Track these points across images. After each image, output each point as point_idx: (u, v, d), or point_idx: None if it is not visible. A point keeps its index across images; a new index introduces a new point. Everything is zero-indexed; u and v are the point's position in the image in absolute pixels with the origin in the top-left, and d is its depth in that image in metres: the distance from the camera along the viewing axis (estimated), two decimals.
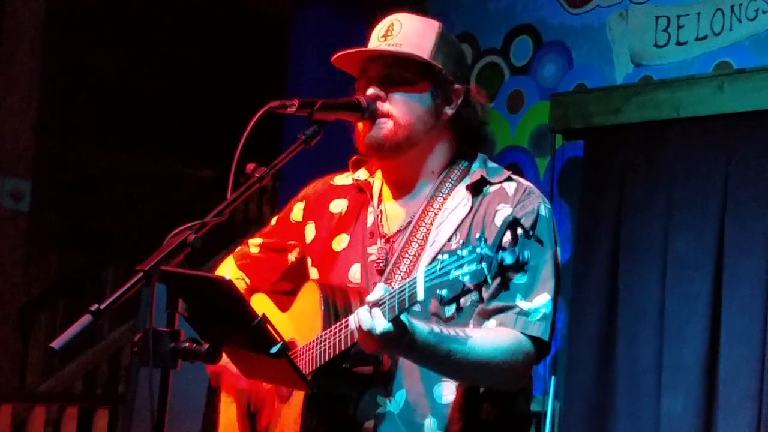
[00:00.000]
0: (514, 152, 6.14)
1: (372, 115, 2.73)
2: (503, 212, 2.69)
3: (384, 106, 2.74)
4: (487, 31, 6.35)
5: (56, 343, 2.26)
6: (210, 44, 9.56)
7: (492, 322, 2.62)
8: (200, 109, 9.61)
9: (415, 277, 2.32)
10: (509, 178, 2.77)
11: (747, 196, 5.08)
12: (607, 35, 5.86)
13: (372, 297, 2.40)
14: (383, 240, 2.79)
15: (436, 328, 2.52)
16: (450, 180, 2.79)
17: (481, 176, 2.76)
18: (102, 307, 2.28)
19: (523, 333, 2.61)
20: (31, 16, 7.87)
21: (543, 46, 6.14)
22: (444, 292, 2.27)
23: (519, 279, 2.56)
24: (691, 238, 5.23)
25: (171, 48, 9.54)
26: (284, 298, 2.95)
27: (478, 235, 2.35)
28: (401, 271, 2.69)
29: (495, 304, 2.62)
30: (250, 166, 2.57)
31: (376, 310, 2.39)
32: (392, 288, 2.40)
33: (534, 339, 2.62)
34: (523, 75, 6.20)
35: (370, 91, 2.75)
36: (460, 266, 2.25)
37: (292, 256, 3.00)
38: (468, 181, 2.77)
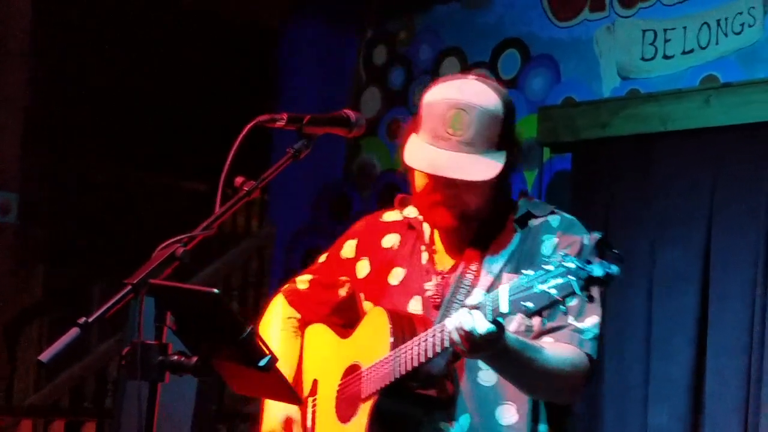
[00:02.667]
0: None
1: (360, 129, 2.74)
2: (549, 242, 2.77)
3: (458, 196, 2.76)
4: (475, 45, 6.37)
5: (44, 356, 2.26)
6: (199, 57, 9.55)
7: (548, 339, 2.69)
8: (190, 122, 9.59)
9: (498, 292, 2.38)
10: (553, 212, 2.84)
11: (734, 209, 5.10)
12: (594, 49, 5.88)
13: (471, 301, 2.45)
14: (439, 277, 2.84)
15: (520, 336, 2.60)
16: (496, 216, 2.84)
17: (528, 210, 2.82)
18: (90, 319, 2.28)
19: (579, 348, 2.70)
20: (18, 29, 7.86)
21: (531, 60, 6.16)
22: (529, 304, 2.33)
23: (570, 302, 2.55)
24: (678, 251, 5.24)
25: (161, 61, 9.52)
26: (341, 329, 3.00)
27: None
28: (458, 301, 2.74)
29: (549, 324, 2.71)
30: (238, 180, 2.58)
31: (477, 312, 2.43)
32: (488, 295, 2.44)
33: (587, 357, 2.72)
34: (511, 88, 6.21)
35: (447, 192, 2.75)
36: (545, 280, 2.32)
37: (342, 291, 3.04)
38: (514, 215, 2.83)
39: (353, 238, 3.05)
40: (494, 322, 2.42)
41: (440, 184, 2.74)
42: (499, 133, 2.76)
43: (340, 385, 2.90)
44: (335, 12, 7.08)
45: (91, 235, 9.61)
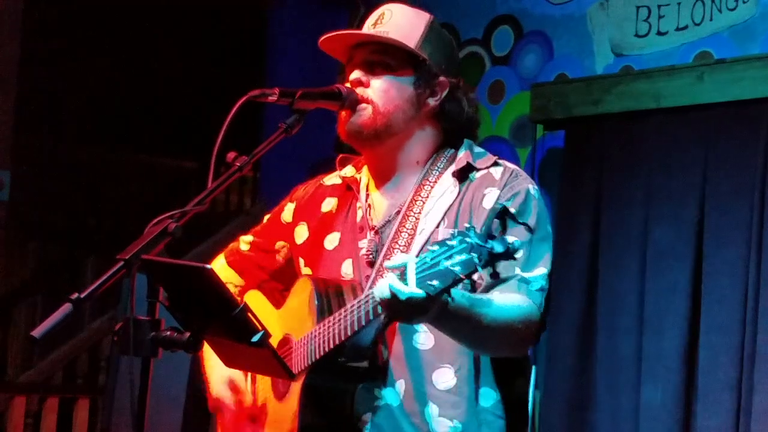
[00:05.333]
0: (494, 142, 6.14)
1: (352, 103, 2.73)
2: (491, 195, 2.70)
3: (365, 92, 2.75)
4: (468, 22, 6.35)
5: (37, 332, 2.26)
6: (188, 35, 9.52)
7: (495, 293, 2.61)
8: (180, 99, 9.58)
9: (405, 265, 2.28)
10: (495, 163, 2.78)
11: (726, 186, 5.10)
12: (587, 25, 5.86)
13: (390, 264, 2.34)
14: (372, 232, 2.79)
15: (466, 293, 2.51)
16: (436, 168, 2.79)
17: (467, 162, 2.76)
18: (82, 295, 2.28)
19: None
20: (8, 8, 7.82)
21: (524, 37, 6.14)
22: (435, 283, 2.23)
23: (516, 253, 2.57)
24: (670, 228, 5.24)
25: (150, 39, 9.50)
26: (278, 295, 2.95)
27: (466, 223, 2.32)
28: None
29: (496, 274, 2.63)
30: (230, 155, 2.57)
31: (394, 277, 2.31)
32: (399, 265, 2.34)
33: None
34: (504, 65, 6.21)
35: (354, 75, 2.76)
36: (450, 256, 2.22)
37: (280, 257, 3.01)
38: (454, 167, 2.77)
39: (292, 202, 3.01)
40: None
41: (353, 62, 2.77)
42: (423, 33, 2.77)
43: None
44: None
45: (84, 213, 9.60)
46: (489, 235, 2.23)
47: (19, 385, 7.59)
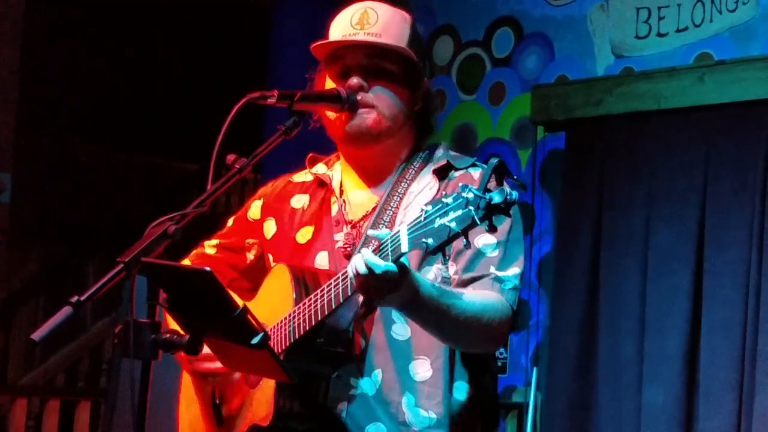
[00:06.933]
0: (495, 144, 6.14)
1: (352, 106, 2.74)
2: None
3: (367, 97, 2.75)
4: (469, 23, 6.35)
5: (37, 335, 2.26)
6: (190, 36, 9.53)
7: (468, 288, 2.64)
8: (181, 101, 9.58)
9: (398, 231, 2.32)
10: (474, 165, 2.80)
11: (728, 187, 5.10)
12: (588, 27, 5.86)
13: (372, 234, 2.39)
14: (349, 226, 2.81)
15: (437, 283, 2.54)
16: (413, 167, 2.82)
17: (447, 162, 2.79)
18: (82, 298, 2.28)
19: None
20: (10, 9, 7.83)
21: (524, 38, 6.14)
22: (429, 240, 2.24)
23: (491, 252, 2.60)
24: (672, 229, 5.24)
25: (152, 40, 9.51)
26: (247, 294, 2.94)
27: (461, 184, 2.31)
28: None
29: (469, 274, 2.66)
30: (230, 157, 2.57)
31: (371, 252, 2.35)
32: (388, 233, 2.37)
33: None
34: (505, 67, 6.20)
35: (354, 80, 2.75)
36: (445, 213, 2.23)
37: (250, 255, 3.01)
38: (433, 165, 2.79)
39: (259, 199, 3.01)
40: (396, 262, 2.34)
41: (343, 63, 2.76)
42: (410, 35, 2.79)
43: None
44: None
45: (85, 215, 9.61)
46: (485, 188, 2.22)
47: (20, 387, 7.61)
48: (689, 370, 5.14)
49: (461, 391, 2.73)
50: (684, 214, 5.21)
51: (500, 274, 2.65)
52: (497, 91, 6.20)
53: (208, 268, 2.39)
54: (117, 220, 9.00)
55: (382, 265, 2.32)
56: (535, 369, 5.48)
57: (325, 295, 2.56)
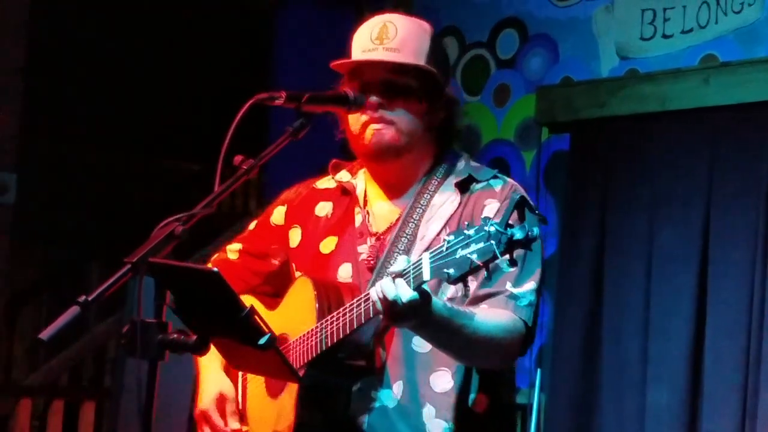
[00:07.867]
0: (500, 145, 6.14)
1: (360, 107, 2.75)
2: (491, 207, 2.75)
3: (385, 113, 2.77)
4: (473, 25, 6.35)
5: (44, 334, 2.26)
6: (195, 37, 9.53)
7: (483, 306, 2.67)
8: (185, 103, 9.58)
9: (421, 259, 2.36)
10: (495, 176, 2.83)
11: (732, 189, 5.10)
12: (593, 28, 5.86)
13: (395, 269, 2.42)
14: (373, 238, 2.83)
15: (448, 303, 2.58)
16: (435, 178, 2.84)
17: (469, 174, 2.81)
18: (90, 298, 2.29)
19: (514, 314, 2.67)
20: (15, 10, 7.83)
21: (529, 40, 6.14)
22: (451, 271, 2.30)
23: (507, 268, 2.59)
24: (676, 231, 5.24)
25: (156, 42, 9.51)
26: (269, 299, 2.96)
27: (483, 216, 2.38)
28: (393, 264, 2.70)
29: (485, 290, 2.68)
30: (237, 158, 2.58)
31: (400, 280, 2.40)
32: (410, 262, 2.41)
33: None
34: (509, 68, 6.21)
35: (372, 99, 2.77)
36: (467, 245, 2.28)
37: (275, 260, 3.02)
38: (455, 178, 2.82)
39: (282, 205, 3.02)
40: (418, 289, 2.39)
41: (361, 79, 2.78)
42: (430, 48, 2.80)
43: None
44: None
45: (89, 216, 9.61)
46: (507, 224, 2.27)
47: (25, 388, 7.60)
48: (693, 372, 5.14)
49: (479, 403, 2.76)
50: (688, 215, 5.21)
51: (516, 290, 2.68)
52: (502, 93, 6.20)
53: (215, 269, 2.40)
54: (121, 221, 8.99)
55: (408, 295, 2.38)
56: (538, 370, 5.48)
57: (347, 314, 2.59)
